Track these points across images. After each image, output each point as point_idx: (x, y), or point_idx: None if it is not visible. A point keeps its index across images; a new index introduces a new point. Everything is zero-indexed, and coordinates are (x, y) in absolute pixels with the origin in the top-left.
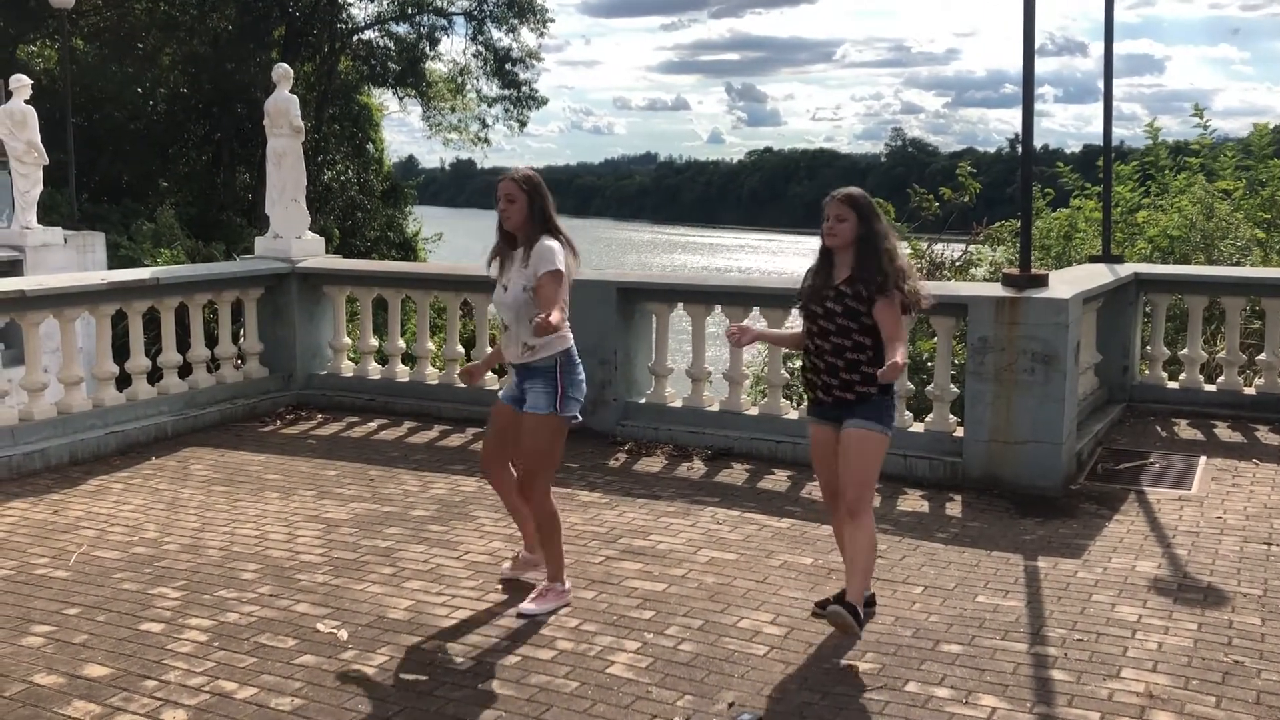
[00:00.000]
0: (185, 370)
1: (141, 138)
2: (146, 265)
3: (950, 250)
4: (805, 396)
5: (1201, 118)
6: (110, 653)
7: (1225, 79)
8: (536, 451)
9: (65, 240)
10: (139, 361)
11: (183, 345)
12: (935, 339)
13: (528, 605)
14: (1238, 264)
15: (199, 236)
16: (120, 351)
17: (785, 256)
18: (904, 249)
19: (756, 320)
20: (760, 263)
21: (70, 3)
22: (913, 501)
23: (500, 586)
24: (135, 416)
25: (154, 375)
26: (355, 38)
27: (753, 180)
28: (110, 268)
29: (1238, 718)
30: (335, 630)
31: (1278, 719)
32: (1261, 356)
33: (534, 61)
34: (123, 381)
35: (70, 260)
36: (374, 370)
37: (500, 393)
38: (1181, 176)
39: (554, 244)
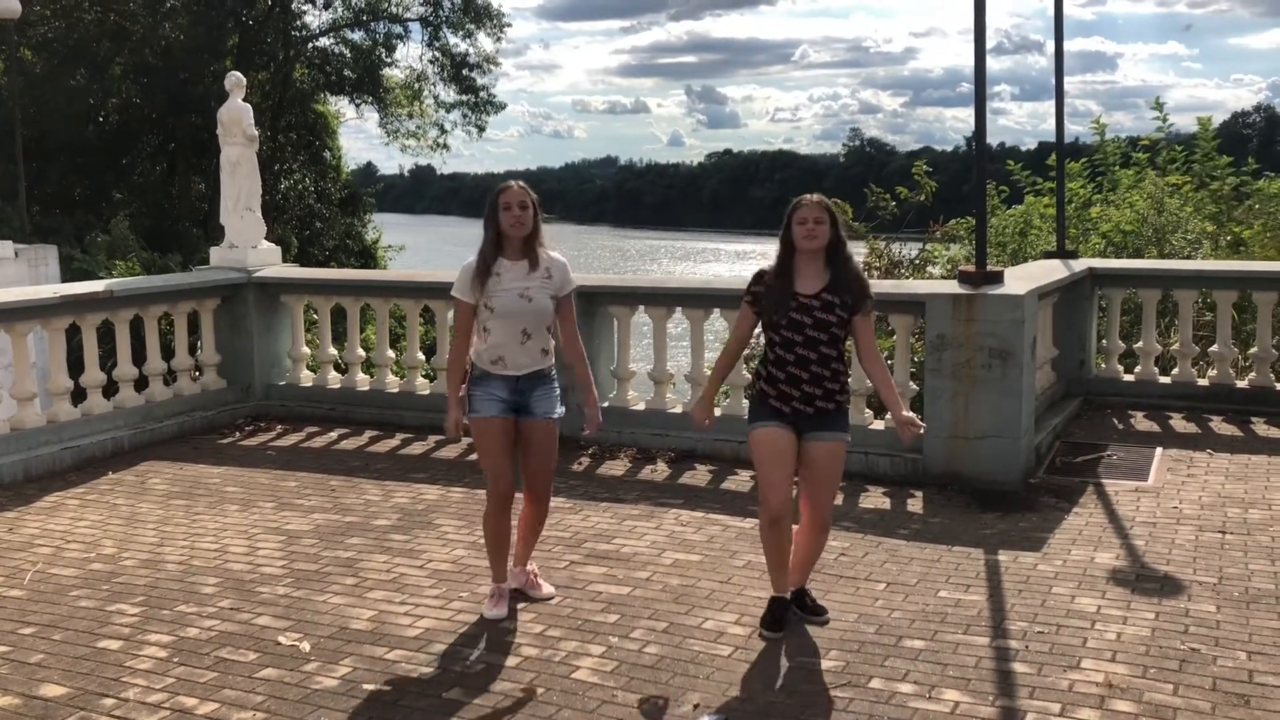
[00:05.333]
0: (141, 383)
1: (94, 149)
2: (101, 278)
3: (907, 249)
4: (773, 405)
5: (1161, 111)
6: (67, 672)
7: (1175, 75)
8: (555, 455)
9: (16, 254)
10: (94, 375)
11: (138, 358)
12: (894, 337)
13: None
14: (1189, 257)
15: (154, 248)
16: (75, 366)
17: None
18: (861, 247)
19: (717, 320)
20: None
21: (17, 13)
22: (874, 498)
23: (464, 595)
24: (91, 431)
25: (109, 389)
26: (310, 45)
27: (713, 182)
28: (64, 281)
29: (1195, 704)
30: (297, 643)
31: (1234, 704)
32: (1214, 348)
33: (491, 66)
34: (77, 396)
35: (22, 274)
36: (333, 379)
37: (483, 410)
38: (1131, 172)
39: (565, 259)
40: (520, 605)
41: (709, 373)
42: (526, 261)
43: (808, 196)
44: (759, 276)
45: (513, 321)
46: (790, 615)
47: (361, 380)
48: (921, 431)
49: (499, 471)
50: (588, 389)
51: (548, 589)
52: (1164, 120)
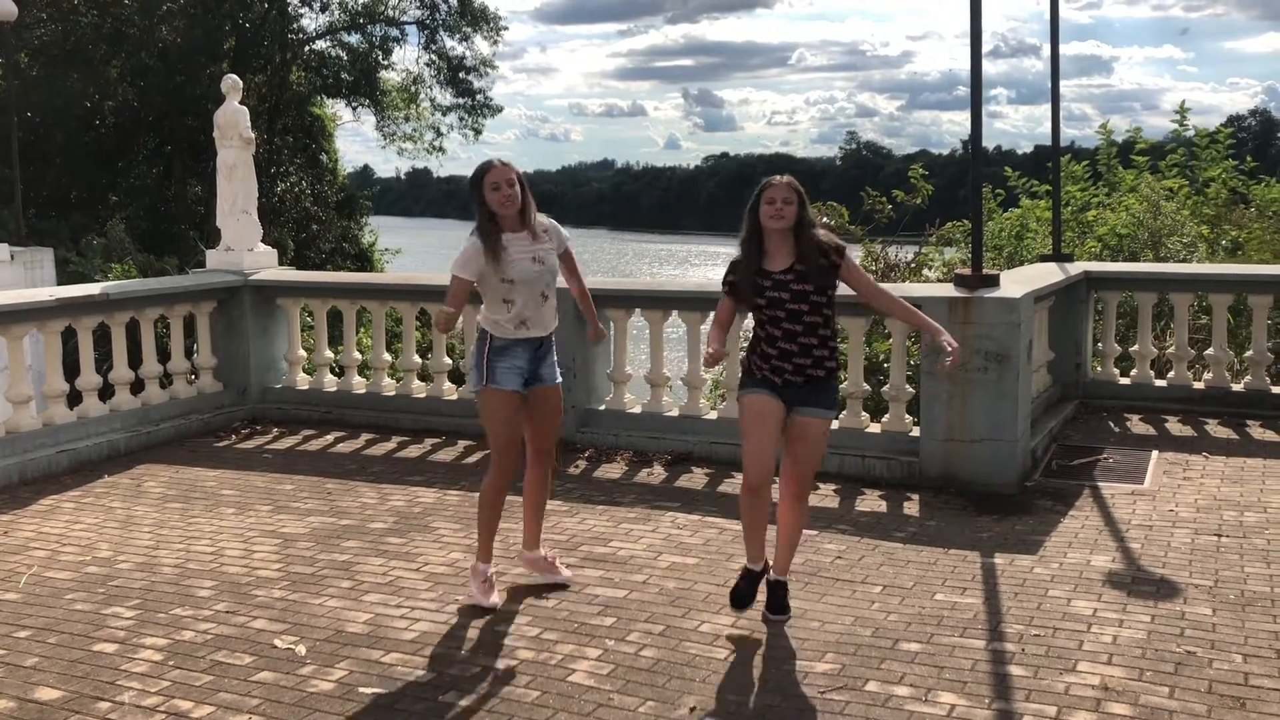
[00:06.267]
0: (137, 386)
1: (90, 151)
2: (97, 280)
3: (903, 252)
4: (759, 376)
5: (1184, 117)
6: (62, 675)
7: (1171, 79)
8: (561, 415)
9: (12, 257)
10: (90, 378)
11: (134, 361)
12: (890, 340)
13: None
14: (1185, 261)
15: (151, 250)
16: (70, 368)
17: None
18: (857, 250)
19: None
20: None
21: (13, 15)
22: (871, 501)
23: (461, 598)
24: (87, 434)
25: (105, 392)
26: (307, 48)
27: (710, 185)
28: (60, 284)
29: (1190, 707)
30: (293, 646)
31: (1229, 707)
32: (1209, 351)
33: (488, 69)
34: (74, 399)
35: (18, 277)
36: (330, 382)
37: (505, 382)
38: (1132, 173)
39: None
40: (516, 608)
41: (706, 376)
42: (527, 231)
43: (776, 178)
44: (734, 265)
45: (532, 285)
46: (758, 592)
47: (358, 383)
48: (955, 350)
49: (509, 446)
50: (590, 313)
51: (566, 573)
52: (1182, 124)
